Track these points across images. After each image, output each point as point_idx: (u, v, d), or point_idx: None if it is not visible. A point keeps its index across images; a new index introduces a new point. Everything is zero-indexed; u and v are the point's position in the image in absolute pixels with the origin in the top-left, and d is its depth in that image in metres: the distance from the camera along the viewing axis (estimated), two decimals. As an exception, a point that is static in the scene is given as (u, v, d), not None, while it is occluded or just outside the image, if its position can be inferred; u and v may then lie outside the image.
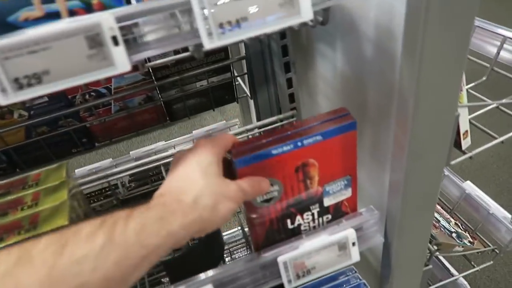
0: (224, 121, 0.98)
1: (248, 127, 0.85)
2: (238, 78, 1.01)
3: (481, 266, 0.94)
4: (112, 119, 0.92)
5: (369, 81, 0.58)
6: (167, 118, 1.01)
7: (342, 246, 0.58)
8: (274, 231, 0.58)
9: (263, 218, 0.56)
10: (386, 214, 0.61)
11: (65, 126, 0.88)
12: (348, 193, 0.59)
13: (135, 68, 0.67)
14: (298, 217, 0.59)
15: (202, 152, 0.46)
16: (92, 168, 0.88)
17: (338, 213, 0.61)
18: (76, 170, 0.89)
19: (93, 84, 0.84)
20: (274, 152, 0.51)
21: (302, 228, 0.60)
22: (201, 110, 1.05)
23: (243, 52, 0.94)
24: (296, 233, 0.60)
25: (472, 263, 0.98)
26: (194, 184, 0.44)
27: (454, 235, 0.89)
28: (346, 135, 0.54)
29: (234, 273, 0.56)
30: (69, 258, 0.35)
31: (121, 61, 0.37)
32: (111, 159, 0.93)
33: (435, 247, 0.80)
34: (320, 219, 0.60)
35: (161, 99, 0.93)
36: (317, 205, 0.58)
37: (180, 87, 0.94)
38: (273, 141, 0.52)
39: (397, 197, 0.57)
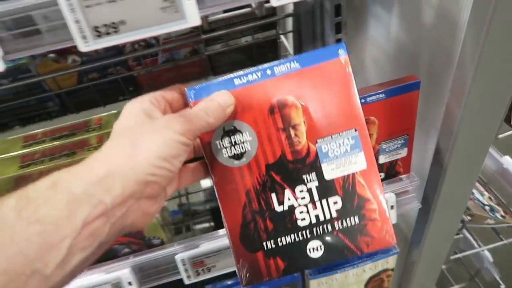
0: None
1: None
2: (282, 36, 1.01)
3: (510, 240, 0.95)
4: (158, 69, 0.94)
5: (424, 48, 0.58)
6: (210, 72, 1.02)
7: (381, 208, 0.60)
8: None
9: None
10: (426, 181, 0.62)
11: (114, 74, 0.91)
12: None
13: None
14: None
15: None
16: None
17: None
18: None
19: (143, 34, 0.85)
20: None
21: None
22: (243, 66, 1.05)
23: (290, 9, 0.93)
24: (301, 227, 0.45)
25: (501, 236, 0.99)
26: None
27: (487, 208, 0.90)
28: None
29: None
30: None
31: (192, 14, 0.39)
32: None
33: (468, 218, 0.81)
34: None
35: (206, 52, 0.94)
36: None
37: (225, 42, 0.95)
38: None
39: (440, 166, 0.58)
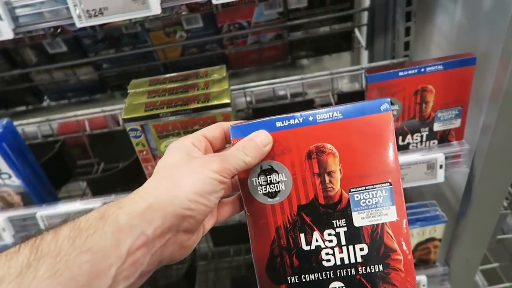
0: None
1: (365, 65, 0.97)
2: (356, 30, 1.12)
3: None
4: (246, 50, 1.10)
5: (482, 32, 0.67)
6: (289, 57, 1.16)
7: (431, 166, 0.69)
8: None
9: None
10: (475, 149, 0.71)
11: (210, 50, 1.08)
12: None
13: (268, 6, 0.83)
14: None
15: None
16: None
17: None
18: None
19: (238, 16, 1.02)
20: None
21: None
22: (318, 54, 1.19)
23: (366, 4, 1.04)
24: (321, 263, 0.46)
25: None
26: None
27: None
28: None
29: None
30: None
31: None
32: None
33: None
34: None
35: (289, 38, 1.09)
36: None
37: (306, 30, 1.09)
38: (400, 65, 0.62)
39: (487, 136, 0.66)
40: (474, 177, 0.73)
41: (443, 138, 0.73)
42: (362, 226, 0.45)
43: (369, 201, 0.44)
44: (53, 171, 0.83)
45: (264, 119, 0.44)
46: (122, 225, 0.36)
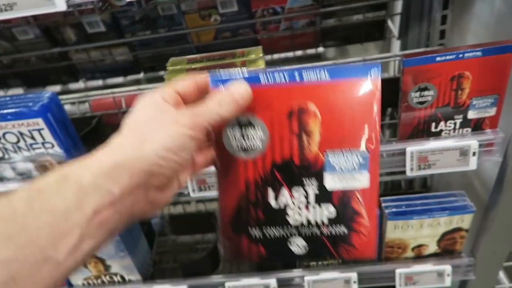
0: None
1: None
2: (388, 20, 1.12)
3: None
4: (277, 36, 1.11)
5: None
6: (320, 44, 1.17)
7: (463, 153, 0.69)
8: None
9: None
10: (510, 138, 0.70)
11: (242, 35, 1.10)
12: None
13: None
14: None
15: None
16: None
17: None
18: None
19: (273, 2, 1.03)
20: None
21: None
22: (349, 43, 1.19)
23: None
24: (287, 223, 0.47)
25: None
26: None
27: None
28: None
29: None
30: None
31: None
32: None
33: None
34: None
35: (321, 25, 1.09)
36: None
37: (338, 18, 1.09)
38: (440, 50, 0.62)
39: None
40: (507, 166, 0.73)
41: (477, 126, 0.72)
42: (333, 190, 0.45)
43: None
44: (90, 145, 0.86)
45: (249, 71, 0.44)
46: (85, 185, 0.35)
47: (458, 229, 0.87)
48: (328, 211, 0.46)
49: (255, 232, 0.47)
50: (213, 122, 0.41)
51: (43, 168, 0.80)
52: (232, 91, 0.42)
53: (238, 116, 0.44)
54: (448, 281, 0.90)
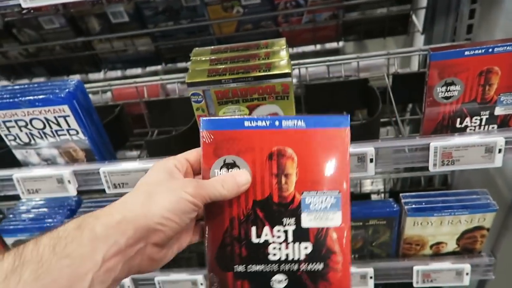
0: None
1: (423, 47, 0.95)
2: (413, 14, 1.10)
3: None
4: (299, 29, 1.11)
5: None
6: (342, 38, 1.16)
7: (489, 150, 0.68)
8: None
9: None
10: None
11: (264, 27, 1.09)
12: None
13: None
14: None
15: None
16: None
17: (503, 126, 0.69)
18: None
19: (296, -6, 1.02)
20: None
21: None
22: (372, 37, 1.17)
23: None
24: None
25: None
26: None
27: None
28: None
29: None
30: None
31: None
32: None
33: None
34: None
35: (344, 18, 1.08)
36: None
37: (362, 11, 1.08)
38: (468, 44, 0.61)
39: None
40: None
41: (504, 123, 0.71)
42: (309, 228, 0.49)
43: (318, 205, 0.49)
44: (112, 133, 0.87)
45: (234, 117, 0.50)
46: (98, 234, 0.40)
47: (479, 228, 0.86)
48: (305, 248, 0.50)
49: (240, 267, 0.50)
50: (214, 198, 0.46)
51: (67, 154, 0.81)
52: (236, 178, 0.48)
53: (225, 157, 0.49)
54: (466, 280, 0.89)
